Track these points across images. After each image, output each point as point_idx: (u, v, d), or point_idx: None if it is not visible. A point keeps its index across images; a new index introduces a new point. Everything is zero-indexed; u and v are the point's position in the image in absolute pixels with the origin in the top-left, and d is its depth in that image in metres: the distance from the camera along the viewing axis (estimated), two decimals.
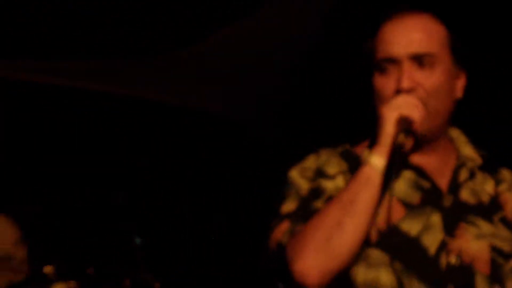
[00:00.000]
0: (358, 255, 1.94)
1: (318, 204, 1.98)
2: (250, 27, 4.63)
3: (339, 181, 2.03)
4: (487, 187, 2.11)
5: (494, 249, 2.00)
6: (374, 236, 1.96)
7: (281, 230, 1.99)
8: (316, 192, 2.03)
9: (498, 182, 2.13)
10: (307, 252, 1.88)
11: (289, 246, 1.93)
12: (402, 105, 1.92)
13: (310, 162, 2.11)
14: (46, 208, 4.58)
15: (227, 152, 5.16)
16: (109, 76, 4.84)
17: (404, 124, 1.90)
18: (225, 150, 5.19)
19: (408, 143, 1.92)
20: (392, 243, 1.97)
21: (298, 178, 2.08)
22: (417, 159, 2.04)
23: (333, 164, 2.07)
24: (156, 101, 5.09)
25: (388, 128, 1.91)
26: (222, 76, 4.94)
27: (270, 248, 2.02)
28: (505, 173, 2.16)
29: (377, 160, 1.91)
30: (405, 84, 1.93)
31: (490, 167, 2.15)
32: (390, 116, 1.92)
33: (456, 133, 2.16)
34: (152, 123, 5.13)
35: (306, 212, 1.98)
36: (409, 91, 1.95)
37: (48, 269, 3.58)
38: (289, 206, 2.03)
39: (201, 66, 4.91)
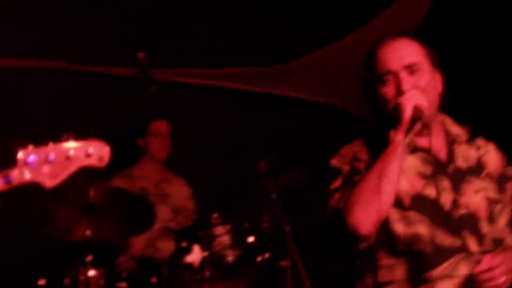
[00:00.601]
0: (398, 216, 2.41)
1: (357, 178, 2.44)
2: (358, 38, 5.11)
3: (369, 164, 2.47)
4: (471, 153, 2.60)
5: (487, 198, 2.52)
6: (407, 201, 2.43)
7: (335, 199, 2.45)
8: (354, 171, 2.49)
9: (477, 148, 2.63)
10: (356, 209, 2.32)
11: (342, 208, 2.37)
12: (414, 96, 2.39)
13: (346, 151, 2.58)
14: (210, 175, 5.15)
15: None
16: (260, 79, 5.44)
17: (417, 110, 2.38)
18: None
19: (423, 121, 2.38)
20: (420, 205, 2.43)
21: (340, 163, 2.55)
22: (422, 141, 2.52)
23: (363, 152, 2.54)
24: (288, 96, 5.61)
25: (408, 113, 2.37)
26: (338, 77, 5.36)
27: (327, 214, 2.47)
28: (479, 141, 2.67)
29: (399, 137, 2.38)
30: (406, 86, 2.43)
31: (470, 138, 2.65)
32: (407, 104, 2.38)
33: (442, 116, 2.64)
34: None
35: (350, 184, 2.45)
36: (409, 90, 2.41)
37: (213, 216, 4.14)
38: (336, 183, 2.50)
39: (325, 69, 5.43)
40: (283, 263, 4.34)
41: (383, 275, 2.48)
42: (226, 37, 5.31)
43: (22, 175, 2.12)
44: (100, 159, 2.15)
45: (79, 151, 2.13)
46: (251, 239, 4.18)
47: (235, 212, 4.38)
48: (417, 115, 2.38)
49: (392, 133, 2.43)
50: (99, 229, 3.83)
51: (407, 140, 2.38)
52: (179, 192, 4.97)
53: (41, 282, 3.79)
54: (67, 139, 2.14)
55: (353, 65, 5.07)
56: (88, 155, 2.14)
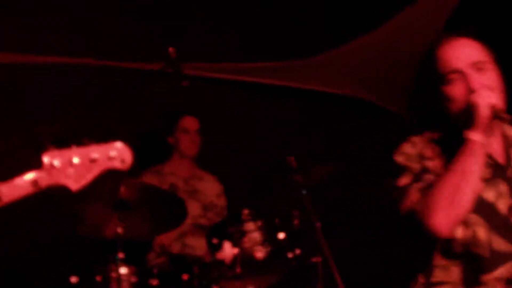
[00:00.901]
0: None
1: (430, 177, 2.43)
2: (388, 30, 5.07)
3: (437, 161, 2.47)
4: None
5: None
6: None
7: (410, 199, 2.43)
8: (425, 170, 2.47)
9: None
10: (437, 211, 2.31)
11: (421, 209, 2.36)
12: (488, 95, 2.38)
13: (409, 149, 2.55)
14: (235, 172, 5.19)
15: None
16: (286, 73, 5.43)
17: (494, 109, 2.37)
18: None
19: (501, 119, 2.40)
20: (479, 208, 2.41)
21: (406, 161, 2.52)
22: None
23: (429, 149, 2.52)
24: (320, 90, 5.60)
25: (484, 112, 2.35)
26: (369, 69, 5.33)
27: (403, 214, 2.45)
28: None
29: (478, 137, 2.36)
30: (475, 85, 2.42)
31: None
32: (482, 103, 2.36)
33: None
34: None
35: (424, 183, 2.43)
36: (481, 89, 2.40)
37: (243, 212, 4.12)
38: (405, 180, 2.49)
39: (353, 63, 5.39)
40: (314, 259, 4.37)
41: (438, 275, 2.48)
42: (254, 31, 5.35)
43: (48, 178, 2.17)
44: (123, 161, 2.20)
45: (102, 154, 2.19)
46: (281, 235, 4.16)
47: (265, 208, 4.35)
48: (495, 114, 2.37)
49: (468, 133, 2.40)
50: (130, 226, 3.83)
51: (484, 140, 2.38)
52: (210, 189, 4.98)
53: (73, 279, 3.77)
54: (89, 143, 2.20)
55: (382, 59, 5.33)
56: (111, 158, 2.19)
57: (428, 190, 2.39)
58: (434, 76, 2.51)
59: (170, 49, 4.20)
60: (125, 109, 5.03)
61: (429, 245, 2.48)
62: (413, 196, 2.42)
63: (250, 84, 5.53)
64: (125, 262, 3.77)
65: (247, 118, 5.55)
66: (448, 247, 2.44)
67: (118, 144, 2.21)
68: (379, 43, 5.19)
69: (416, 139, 2.57)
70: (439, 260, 2.48)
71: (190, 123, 4.92)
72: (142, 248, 4.53)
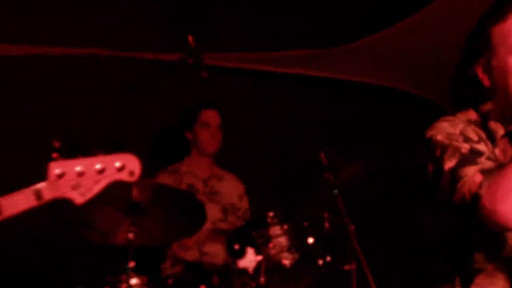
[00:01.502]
0: None
1: (482, 160, 2.29)
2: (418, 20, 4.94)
3: (482, 146, 2.35)
4: None
5: None
6: None
7: (473, 182, 2.25)
8: (475, 152, 2.32)
9: None
10: (510, 198, 2.15)
11: (488, 195, 2.20)
12: None
13: (449, 127, 2.41)
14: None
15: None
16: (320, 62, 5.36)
17: None
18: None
19: None
20: None
21: (451, 140, 2.37)
22: None
23: (471, 131, 2.38)
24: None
25: None
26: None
27: (460, 200, 2.27)
28: None
29: None
30: None
31: None
32: None
33: None
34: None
35: (481, 166, 2.28)
36: None
37: (268, 215, 4.00)
38: (450, 163, 2.32)
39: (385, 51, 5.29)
40: (347, 267, 4.26)
41: (480, 282, 2.36)
42: (279, 18, 5.25)
43: (53, 191, 2.20)
44: (131, 173, 2.24)
45: (110, 165, 2.24)
46: (310, 240, 4.06)
47: (293, 210, 4.29)
48: None
49: None
50: (143, 231, 3.75)
51: None
52: (231, 189, 4.82)
53: None
54: (97, 153, 2.26)
55: (417, 47, 5.15)
56: (119, 169, 2.24)
57: (493, 173, 2.23)
58: (499, 45, 2.39)
59: (189, 38, 4.04)
60: (141, 103, 4.91)
61: (472, 246, 2.37)
62: (476, 177, 2.24)
63: (275, 75, 5.40)
64: (137, 272, 3.65)
65: (271, 111, 5.43)
66: (496, 251, 2.32)
67: (127, 155, 2.25)
68: (413, 30, 5.07)
69: (451, 118, 2.44)
70: (483, 264, 2.37)
71: (211, 116, 4.74)
72: (155, 256, 4.44)
